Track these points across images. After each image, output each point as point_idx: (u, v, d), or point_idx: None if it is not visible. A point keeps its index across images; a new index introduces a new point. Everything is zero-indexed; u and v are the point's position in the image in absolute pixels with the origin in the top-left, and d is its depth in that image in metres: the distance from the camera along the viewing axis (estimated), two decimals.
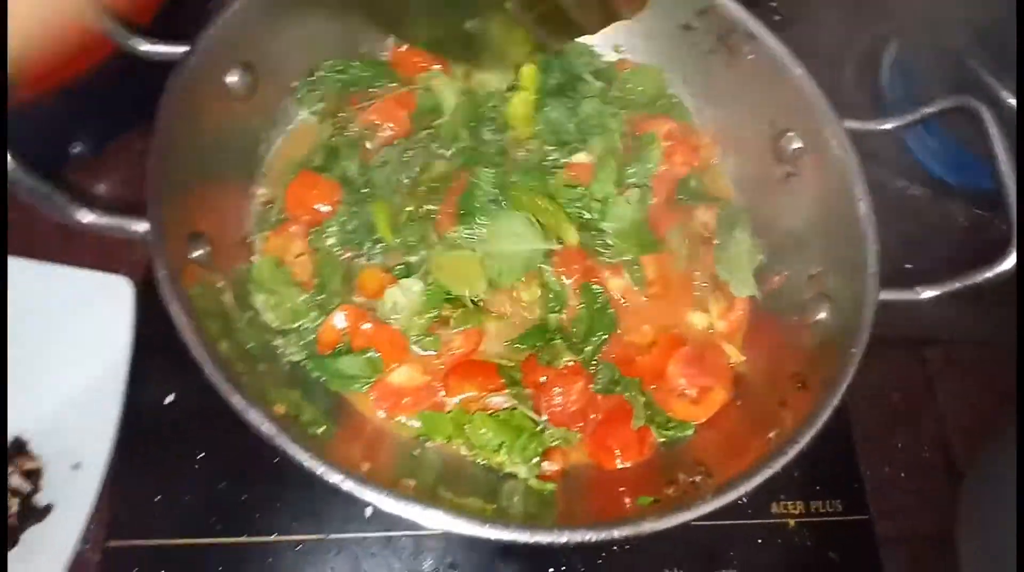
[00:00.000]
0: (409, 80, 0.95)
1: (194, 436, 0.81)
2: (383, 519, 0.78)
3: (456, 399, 0.79)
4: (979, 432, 0.94)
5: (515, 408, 0.78)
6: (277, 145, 0.90)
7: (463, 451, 0.77)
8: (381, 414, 0.78)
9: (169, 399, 0.83)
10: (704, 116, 0.99)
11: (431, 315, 0.80)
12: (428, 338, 0.80)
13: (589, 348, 0.81)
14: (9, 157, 0.61)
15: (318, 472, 0.58)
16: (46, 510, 0.77)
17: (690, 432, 0.80)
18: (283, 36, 0.85)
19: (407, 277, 0.81)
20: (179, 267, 0.66)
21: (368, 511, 0.80)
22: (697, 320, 0.87)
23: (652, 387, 0.81)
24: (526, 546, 0.60)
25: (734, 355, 0.86)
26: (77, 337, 0.82)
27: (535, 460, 0.75)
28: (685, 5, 0.92)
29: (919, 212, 1.12)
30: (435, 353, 0.80)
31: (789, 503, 0.87)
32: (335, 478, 0.58)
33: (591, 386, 0.80)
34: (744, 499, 0.63)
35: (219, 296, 0.72)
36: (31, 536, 0.75)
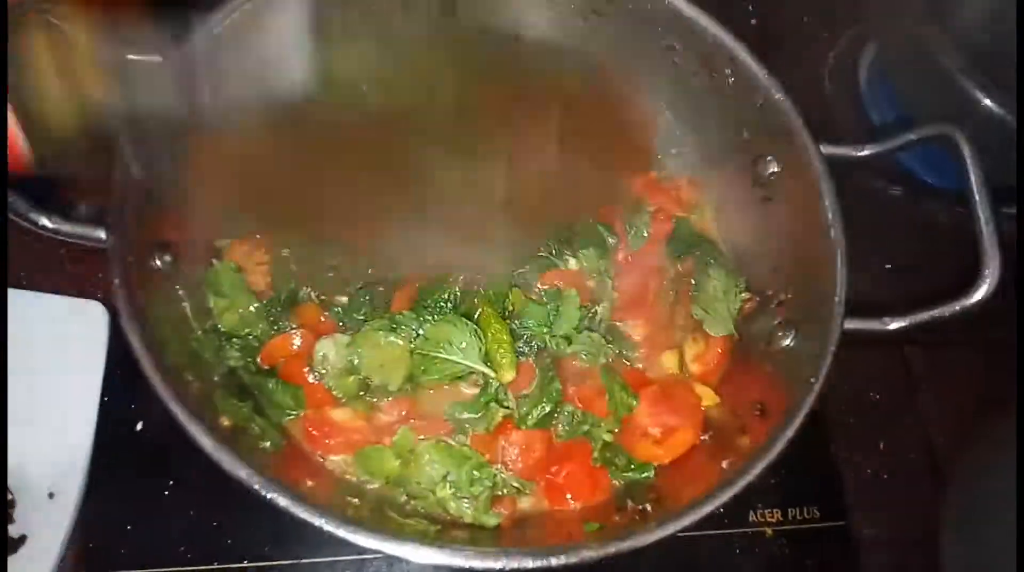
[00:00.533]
0: None
1: (164, 463, 0.81)
2: (355, 543, 0.78)
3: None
4: (962, 434, 0.93)
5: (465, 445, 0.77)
6: None
7: (402, 498, 0.74)
8: (308, 449, 0.76)
9: (139, 426, 0.83)
10: (686, 141, 0.98)
11: (359, 379, 0.77)
12: (357, 399, 0.77)
13: (531, 420, 0.78)
14: None
15: (255, 487, 0.58)
16: (20, 541, 0.76)
17: (649, 473, 0.77)
18: None
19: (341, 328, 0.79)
20: (138, 276, 0.66)
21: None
22: (667, 361, 0.85)
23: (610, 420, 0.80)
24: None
25: (708, 397, 0.82)
26: (51, 364, 0.82)
27: (484, 496, 0.73)
28: (668, 26, 0.92)
29: (899, 212, 1.11)
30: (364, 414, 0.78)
31: (766, 511, 0.86)
32: (271, 495, 0.58)
33: (554, 438, 0.78)
34: (721, 508, 0.63)
35: (178, 304, 0.72)
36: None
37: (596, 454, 0.78)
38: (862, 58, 1.22)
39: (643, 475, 0.78)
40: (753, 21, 0.89)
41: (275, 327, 0.79)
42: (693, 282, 0.88)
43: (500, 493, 0.75)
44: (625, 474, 0.78)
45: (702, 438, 0.79)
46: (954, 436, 0.95)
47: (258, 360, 0.78)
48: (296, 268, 0.81)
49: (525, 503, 0.77)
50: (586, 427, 0.79)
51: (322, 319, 0.80)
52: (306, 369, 0.77)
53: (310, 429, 0.76)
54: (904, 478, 0.93)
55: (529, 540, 0.71)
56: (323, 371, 0.76)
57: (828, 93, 1.21)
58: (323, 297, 0.82)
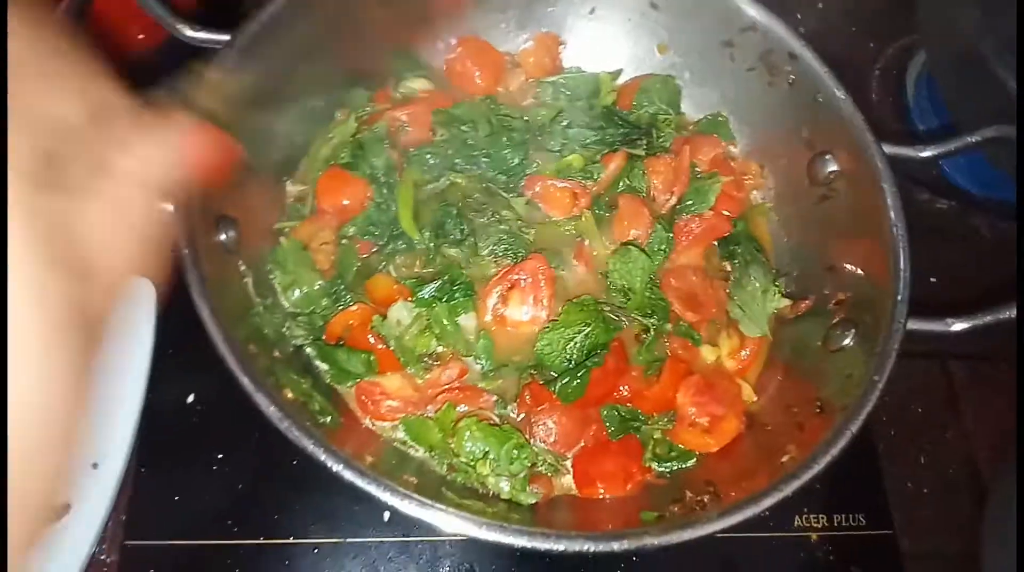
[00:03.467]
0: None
1: (213, 436, 0.82)
2: (401, 523, 0.78)
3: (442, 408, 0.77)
4: (1003, 448, 0.92)
5: (502, 421, 0.77)
6: (313, 145, 0.91)
7: (443, 469, 0.75)
8: (360, 415, 0.77)
9: (190, 399, 0.83)
10: (742, 134, 0.98)
11: (426, 342, 0.79)
12: (419, 363, 0.79)
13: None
14: None
15: (320, 458, 0.58)
16: (63, 509, 0.75)
17: (691, 462, 0.78)
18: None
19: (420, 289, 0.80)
20: (203, 247, 0.66)
21: (386, 515, 0.79)
22: (706, 353, 0.85)
23: (663, 418, 0.80)
24: (543, 552, 0.59)
25: (747, 394, 0.83)
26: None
27: (522, 474, 0.73)
28: (728, 22, 0.91)
29: (943, 224, 1.11)
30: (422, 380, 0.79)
31: (812, 516, 0.85)
32: (337, 466, 0.58)
33: (604, 433, 0.78)
34: (766, 512, 0.62)
35: (240, 280, 0.73)
36: (48, 535, 0.74)
37: (648, 454, 0.78)
38: (909, 69, 1.22)
39: (686, 463, 0.78)
40: (801, 29, 0.89)
41: (338, 304, 0.79)
42: (732, 278, 0.88)
43: (540, 470, 0.76)
44: (667, 463, 0.78)
45: (754, 433, 0.79)
46: (995, 450, 0.94)
47: (323, 336, 0.78)
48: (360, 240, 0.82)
49: (561, 483, 0.77)
50: (636, 424, 0.79)
51: (395, 287, 0.81)
52: (369, 337, 0.78)
53: (363, 397, 0.76)
54: (945, 491, 0.92)
55: (572, 524, 0.71)
56: (395, 334, 0.77)
57: (875, 102, 1.20)
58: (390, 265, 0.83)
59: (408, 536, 0.79)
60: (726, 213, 0.92)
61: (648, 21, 0.97)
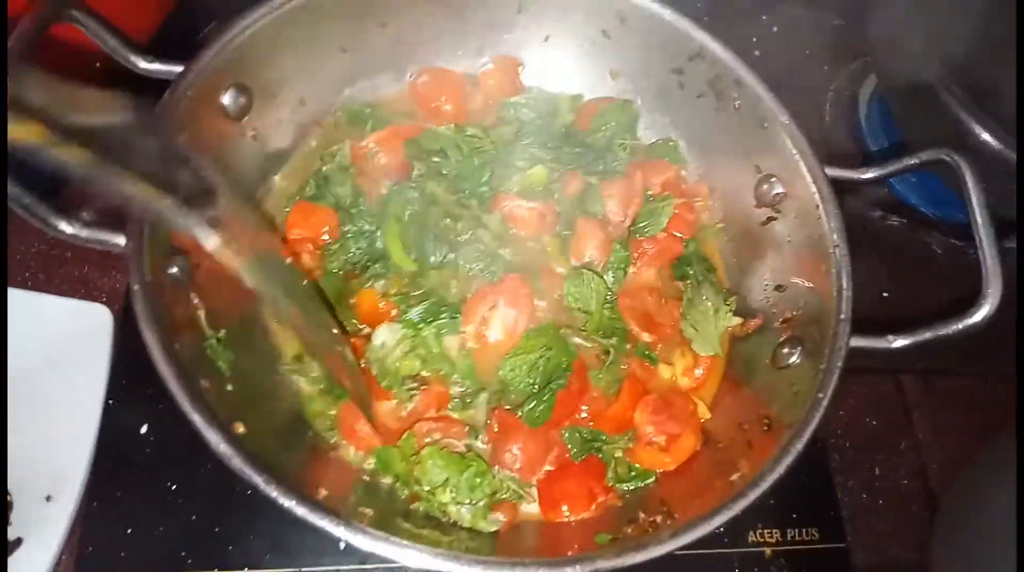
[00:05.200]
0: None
1: (167, 467, 0.81)
2: (357, 552, 0.77)
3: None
4: (956, 461, 0.95)
5: (468, 450, 0.78)
6: (275, 182, 0.92)
7: (405, 495, 0.76)
8: (334, 439, 0.78)
9: (143, 429, 0.83)
10: (692, 158, 1.00)
11: (410, 369, 0.80)
12: (401, 386, 0.79)
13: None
14: None
15: (272, 495, 0.58)
16: (16, 544, 0.75)
17: (651, 480, 0.79)
18: (280, 63, 0.87)
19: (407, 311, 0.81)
20: (155, 281, 0.66)
21: (342, 544, 0.78)
22: (662, 371, 0.86)
23: (623, 438, 0.81)
24: None
25: (702, 412, 0.84)
26: (54, 366, 0.81)
27: (482, 502, 0.74)
28: (678, 49, 0.94)
29: (896, 241, 1.14)
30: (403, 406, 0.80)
31: (766, 531, 0.87)
32: (288, 503, 0.58)
33: (566, 454, 0.79)
34: (720, 529, 0.63)
35: (193, 313, 0.72)
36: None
37: (611, 473, 0.79)
38: (861, 91, 1.26)
39: (645, 482, 0.79)
40: (756, 52, 0.91)
41: None
42: (686, 299, 0.89)
43: (503, 497, 0.76)
44: (627, 484, 0.79)
45: (707, 451, 0.80)
46: (947, 462, 0.97)
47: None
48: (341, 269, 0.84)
49: (526, 509, 0.78)
50: (597, 444, 0.80)
51: (380, 306, 0.82)
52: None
53: (347, 420, 0.77)
54: (898, 503, 0.94)
55: (534, 550, 0.72)
56: (378, 357, 0.78)
57: (827, 124, 1.24)
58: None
59: (365, 564, 0.79)
60: (678, 234, 0.94)
61: (601, 49, 0.99)
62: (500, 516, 0.75)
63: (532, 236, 0.90)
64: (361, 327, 0.82)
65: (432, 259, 0.85)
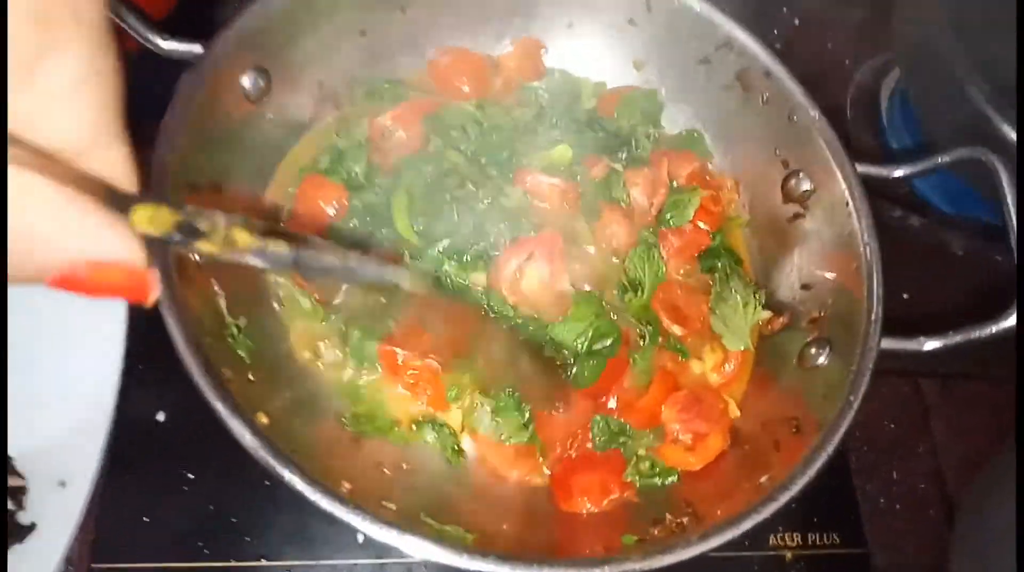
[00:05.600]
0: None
1: (184, 456, 0.80)
2: (375, 545, 0.77)
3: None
4: (974, 464, 0.95)
5: None
6: (289, 152, 0.90)
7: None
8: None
9: (160, 417, 0.81)
10: (717, 151, 0.99)
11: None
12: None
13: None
14: None
15: (297, 488, 0.56)
16: (29, 529, 0.74)
17: (674, 478, 0.78)
18: (300, 45, 0.85)
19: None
20: (176, 266, 0.64)
21: (360, 537, 0.78)
22: (693, 366, 0.85)
23: (648, 436, 0.80)
24: None
25: (732, 410, 0.83)
26: (68, 351, 0.80)
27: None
28: (705, 39, 0.92)
29: (915, 240, 1.13)
30: None
31: (787, 535, 0.86)
32: (315, 496, 0.56)
33: (588, 444, 0.78)
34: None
35: (213, 300, 0.71)
36: (13, 556, 0.72)
37: (630, 468, 0.78)
38: (884, 85, 1.25)
39: (667, 479, 0.78)
40: (777, 45, 0.90)
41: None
42: (714, 293, 0.88)
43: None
44: (650, 480, 0.78)
45: (734, 451, 0.79)
46: (964, 465, 0.97)
47: None
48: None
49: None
50: (623, 438, 0.79)
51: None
52: None
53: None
54: (915, 506, 0.94)
55: (564, 546, 0.71)
56: None
57: (849, 119, 1.22)
58: None
59: (382, 558, 0.78)
60: (703, 226, 0.92)
61: (626, 37, 0.97)
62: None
63: (556, 211, 0.88)
64: None
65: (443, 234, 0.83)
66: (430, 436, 0.77)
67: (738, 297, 0.86)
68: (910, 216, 1.14)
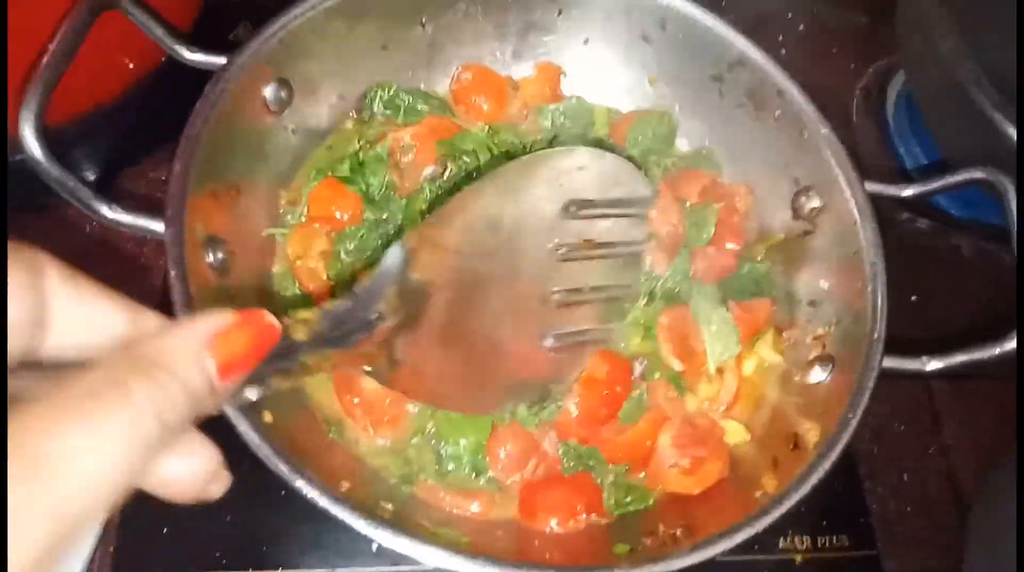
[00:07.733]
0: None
1: None
2: (390, 553, 0.77)
3: None
4: (986, 465, 0.93)
5: None
6: (308, 159, 0.92)
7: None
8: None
9: None
10: (728, 168, 0.99)
11: None
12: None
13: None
14: (37, 145, 0.63)
15: (295, 484, 0.58)
16: None
17: (648, 503, 0.77)
18: (322, 58, 0.87)
19: None
20: (193, 271, 0.67)
21: (375, 545, 0.77)
22: (689, 402, 0.83)
23: (640, 474, 0.79)
24: None
25: (738, 434, 0.81)
26: None
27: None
28: (718, 56, 0.93)
29: (924, 244, 1.12)
30: None
31: (796, 539, 0.85)
32: (311, 493, 0.58)
33: (557, 467, 0.77)
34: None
35: (230, 304, 0.73)
36: None
37: (606, 495, 0.77)
38: (890, 91, 1.24)
39: (643, 504, 0.77)
40: (782, 51, 0.90)
41: None
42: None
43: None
44: (623, 506, 0.77)
45: (732, 469, 0.79)
46: (977, 468, 0.96)
47: None
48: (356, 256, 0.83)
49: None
50: (591, 462, 0.78)
51: None
52: None
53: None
54: (927, 508, 0.93)
55: (553, 558, 0.71)
56: None
57: (855, 125, 1.22)
58: None
59: (398, 565, 0.78)
60: (730, 246, 0.91)
61: (640, 54, 0.98)
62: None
63: None
64: None
65: None
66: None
67: (721, 321, 0.84)
68: (918, 219, 1.13)
